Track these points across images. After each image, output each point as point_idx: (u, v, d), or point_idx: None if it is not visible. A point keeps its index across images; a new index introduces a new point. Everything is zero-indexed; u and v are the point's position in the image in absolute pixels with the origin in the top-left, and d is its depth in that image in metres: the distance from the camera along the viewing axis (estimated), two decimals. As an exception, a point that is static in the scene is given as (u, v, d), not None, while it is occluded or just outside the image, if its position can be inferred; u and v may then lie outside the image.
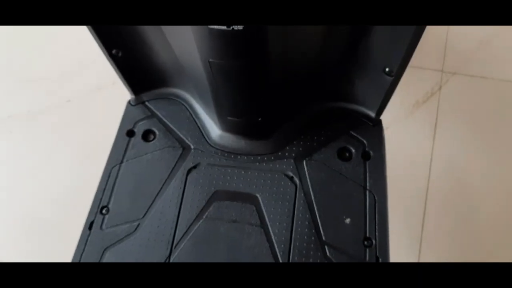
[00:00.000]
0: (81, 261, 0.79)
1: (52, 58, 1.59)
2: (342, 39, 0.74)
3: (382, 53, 0.74)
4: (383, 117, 0.90)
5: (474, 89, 1.44)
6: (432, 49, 1.52)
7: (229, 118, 0.85)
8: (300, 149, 0.89)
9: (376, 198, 0.82)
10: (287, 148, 0.89)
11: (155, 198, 0.84)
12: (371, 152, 0.87)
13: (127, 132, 0.93)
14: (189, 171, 0.87)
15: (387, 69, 0.75)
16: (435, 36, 1.55)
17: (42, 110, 1.47)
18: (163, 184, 0.86)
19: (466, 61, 1.49)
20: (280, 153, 0.89)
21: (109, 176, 0.87)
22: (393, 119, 1.37)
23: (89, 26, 0.74)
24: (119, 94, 1.02)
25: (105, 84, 1.50)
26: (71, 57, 1.58)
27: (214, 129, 0.92)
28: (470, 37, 1.55)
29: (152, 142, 0.92)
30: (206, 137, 0.92)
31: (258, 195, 0.84)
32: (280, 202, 0.83)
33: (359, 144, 0.88)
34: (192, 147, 0.90)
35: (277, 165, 0.87)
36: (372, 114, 0.90)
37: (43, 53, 1.61)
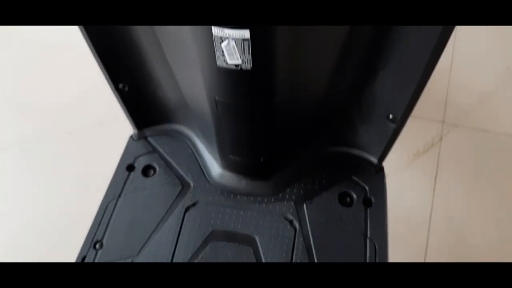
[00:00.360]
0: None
1: (56, 90, 1.61)
2: (347, 83, 0.75)
3: (386, 100, 0.74)
4: (383, 164, 0.90)
5: (474, 141, 1.44)
6: (433, 100, 1.55)
7: (231, 156, 0.84)
8: (301, 191, 0.88)
9: (376, 248, 0.80)
10: (288, 190, 0.88)
11: (151, 235, 0.82)
12: (373, 199, 0.86)
13: (127, 167, 0.92)
14: (187, 209, 0.86)
15: (391, 116, 0.75)
16: (436, 88, 1.58)
17: (42, 140, 1.47)
18: (159, 221, 0.84)
19: (467, 113, 1.51)
20: (280, 195, 0.87)
21: (105, 210, 0.85)
22: (394, 167, 1.37)
23: (98, 59, 0.75)
24: (121, 129, 1.02)
25: (107, 118, 1.50)
26: (75, 90, 1.60)
27: (215, 168, 0.91)
28: (471, 90, 1.58)
29: (152, 177, 0.91)
30: (206, 175, 0.91)
31: (256, 237, 0.82)
32: (278, 246, 0.81)
33: (361, 189, 0.87)
34: (191, 184, 0.89)
35: (277, 207, 0.86)
36: (375, 160, 0.89)
37: (47, 85, 1.63)
